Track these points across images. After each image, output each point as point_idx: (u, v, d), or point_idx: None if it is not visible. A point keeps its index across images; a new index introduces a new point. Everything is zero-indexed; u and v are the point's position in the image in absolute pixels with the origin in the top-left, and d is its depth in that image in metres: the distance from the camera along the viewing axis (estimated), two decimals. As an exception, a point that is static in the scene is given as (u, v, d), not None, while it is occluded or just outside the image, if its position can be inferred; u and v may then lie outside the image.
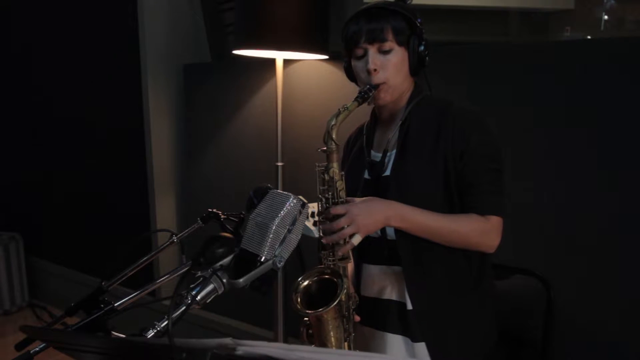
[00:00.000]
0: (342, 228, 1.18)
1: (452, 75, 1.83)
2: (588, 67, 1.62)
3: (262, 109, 2.42)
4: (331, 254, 1.24)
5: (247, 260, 0.91)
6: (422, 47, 1.29)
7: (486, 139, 1.26)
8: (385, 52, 1.27)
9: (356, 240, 1.19)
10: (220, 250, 0.92)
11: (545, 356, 1.39)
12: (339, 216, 1.19)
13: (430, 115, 1.30)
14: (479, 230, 1.24)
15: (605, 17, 2.09)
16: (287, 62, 2.23)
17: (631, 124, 1.57)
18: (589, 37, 2.14)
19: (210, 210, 1.18)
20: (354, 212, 1.18)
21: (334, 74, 2.18)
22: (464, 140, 1.24)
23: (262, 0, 1.93)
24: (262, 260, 0.90)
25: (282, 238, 0.92)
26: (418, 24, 1.29)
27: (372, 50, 1.27)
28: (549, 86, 1.69)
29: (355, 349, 1.30)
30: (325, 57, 2.09)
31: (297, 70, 2.30)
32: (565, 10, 2.14)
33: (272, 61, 2.16)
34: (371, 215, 1.20)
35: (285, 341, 2.24)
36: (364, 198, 1.24)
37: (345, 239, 1.20)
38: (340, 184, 1.25)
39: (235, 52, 2.07)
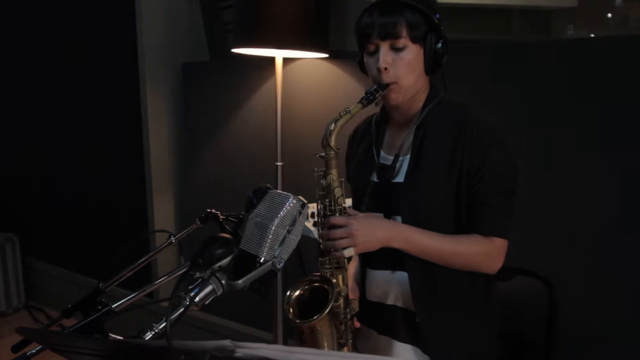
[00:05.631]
0: (340, 238, 1.16)
1: (453, 74, 1.81)
2: (591, 66, 1.61)
3: (261, 108, 2.41)
4: (328, 261, 1.23)
5: (246, 261, 0.90)
6: (439, 45, 1.22)
7: (503, 157, 1.20)
8: (398, 50, 1.20)
9: (348, 252, 1.16)
10: (219, 251, 0.91)
11: (547, 357, 1.39)
12: (337, 226, 1.17)
13: (448, 122, 1.23)
14: (482, 253, 1.21)
15: (609, 15, 2.09)
16: (286, 60, 2.22)
17: (633, 123, 1.56)
18: (592, 35, 2.14)
19: (209, 210, 1.18)
20: (354, 226, 1.15)
21: (334, 73, 2.17)
22: (481, 156, 1.18)
23: (261, -2, 1.93)
24: (262, 261, 0.89)
25: (281, 239, 0.91)
26: (436, 20, 1.21)
27: (384, 47, 1.20)
28: (550, 85, 1.68)
29: (360, 350, 1.28)
30: (325, 55, 2.08)
31: (296, 69, 2.29)
32: (568, 8, 2.13)
33: (271, 60, 2.15)
34: (372, 233, 1.16)
35: (285, 343, 2.23)
36: (366, 214, 1.21)
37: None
38: (339, 191, 1.21)
39: (235, 50, 2.06)
